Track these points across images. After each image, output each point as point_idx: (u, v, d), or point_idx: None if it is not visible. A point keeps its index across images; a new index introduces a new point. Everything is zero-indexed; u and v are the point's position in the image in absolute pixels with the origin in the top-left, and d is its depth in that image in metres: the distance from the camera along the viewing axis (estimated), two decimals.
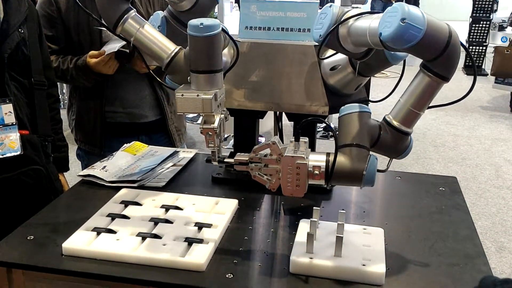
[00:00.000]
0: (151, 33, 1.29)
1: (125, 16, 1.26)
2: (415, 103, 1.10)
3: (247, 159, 1.16)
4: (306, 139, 1.16)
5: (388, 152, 1.16)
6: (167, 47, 1.28)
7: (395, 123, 1.12)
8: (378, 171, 1.14)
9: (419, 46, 0.99)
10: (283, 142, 1.17)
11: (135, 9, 1.29)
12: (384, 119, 1.15)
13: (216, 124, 1.15)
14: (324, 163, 1.10)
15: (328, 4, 1.18)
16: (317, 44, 1.24)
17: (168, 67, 1.28)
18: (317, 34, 1.19)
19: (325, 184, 1.12)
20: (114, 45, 1.87)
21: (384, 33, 1.00)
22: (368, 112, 1.13)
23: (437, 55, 1.02)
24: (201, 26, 1.10)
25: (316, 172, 1.10)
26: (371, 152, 1.13)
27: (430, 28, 0.99)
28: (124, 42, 1.85)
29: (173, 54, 1.27)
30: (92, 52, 1.92)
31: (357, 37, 1.14)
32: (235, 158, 1.18)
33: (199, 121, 5.59)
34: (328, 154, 1.12)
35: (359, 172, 1.09)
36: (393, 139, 1.13)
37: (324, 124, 1.40)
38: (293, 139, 1.13)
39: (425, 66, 1.07)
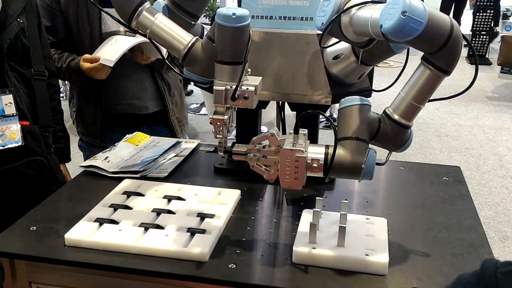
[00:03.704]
0: (166, 25, 1.26)
1: (140, 8, 1.24)
2: (415, 96, 1.09)
3: (245, 150, 1.16)
4: (305, 131, 1.15)
5: (387, 145, 1.16)
6: (183, 38, 1.26)
7: (395, 116, 1.11)
8: (377, 164, 1.13)
9: (419, 39, 0.97)
10: (285, 132, 1.16)
11: (148, 1, 1.28)
12: (384, 112, 1.13)
13: (226, 116, 1.15)
14: (323, 156, 1.10)
15: None
16: (319, 33, 1.23)
17: (185, 59, 1.26)
18: (319, 22, 1.18)
19: (324, 176, 1.11)
20: (109, 57, 1.84)
21: (384, 25, 0.98)
22: (368, 105, 1.12)
23: (438, 48, 1.00)
24: (234, 16, 1.07)
25: (315, 165, 1.10)
26: (370, 145, 1.12)
27: (432, 21, 0.97)
28: (122, 51, 1.83)
29: (190, 45, 1.24)
30: (86, 56, 1.90)
31: (359, 27, 1.12)
32: (233, 149, 1.17)
33: (201, 112, 5.63)
34: (327, 147, 1.11)
35: (358, 165, 1.08)
36: (393, 132, 1.12)
37: (327, 114, 1.39)
38: (293, 131, 1.13)
39: (426, 59, 1.05)
